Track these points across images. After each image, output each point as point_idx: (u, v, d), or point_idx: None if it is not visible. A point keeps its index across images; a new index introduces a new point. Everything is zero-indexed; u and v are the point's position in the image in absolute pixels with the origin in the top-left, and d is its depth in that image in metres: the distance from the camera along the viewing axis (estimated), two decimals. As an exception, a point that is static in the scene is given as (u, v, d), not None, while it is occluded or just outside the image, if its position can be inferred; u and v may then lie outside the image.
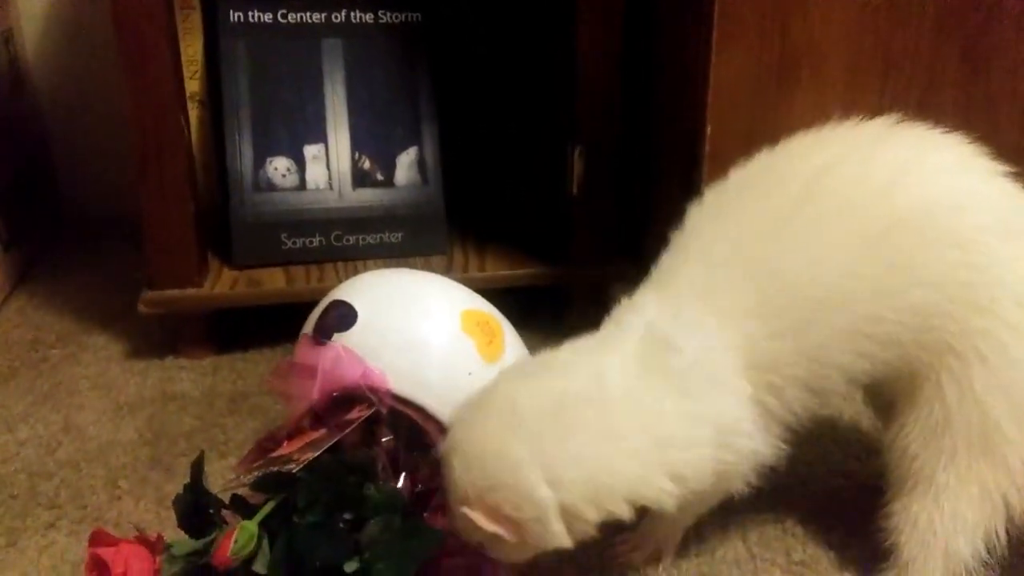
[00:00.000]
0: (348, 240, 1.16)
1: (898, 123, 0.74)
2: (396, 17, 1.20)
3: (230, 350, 1.14)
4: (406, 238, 1.17)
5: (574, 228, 1.14)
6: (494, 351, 0.83)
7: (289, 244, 1.15)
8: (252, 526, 0.68)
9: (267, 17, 1.18)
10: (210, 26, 1.20)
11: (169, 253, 1.09)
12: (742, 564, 0.81)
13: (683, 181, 0.97)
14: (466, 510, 0.66)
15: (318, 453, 0.72)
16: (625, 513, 0.68)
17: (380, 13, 1.20)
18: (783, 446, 0.73)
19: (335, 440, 0.74)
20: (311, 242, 1.16)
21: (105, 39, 1.08)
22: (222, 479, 0.90)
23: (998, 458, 0.69)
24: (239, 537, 0.68)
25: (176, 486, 0.90)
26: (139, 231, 1.08)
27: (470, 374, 0.79)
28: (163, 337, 1.15)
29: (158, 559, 0.70)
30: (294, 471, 0.70)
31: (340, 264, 1.16)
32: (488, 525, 0.66)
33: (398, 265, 0.91)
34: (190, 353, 1.13)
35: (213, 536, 0.70)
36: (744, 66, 0.89)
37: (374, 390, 0.77)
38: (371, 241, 1.17)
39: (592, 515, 0.67)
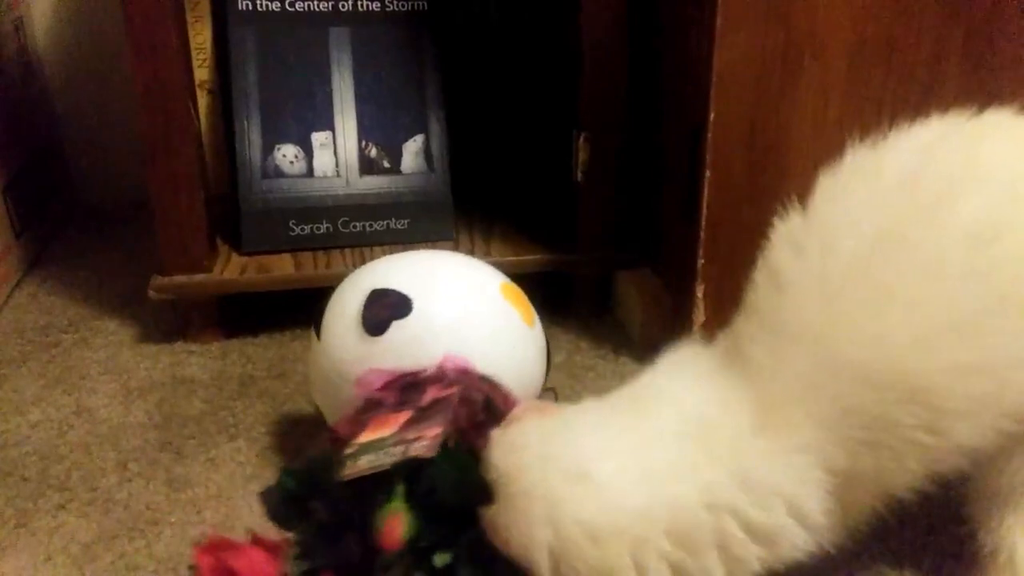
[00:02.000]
0: (355, 227, 1.17)
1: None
2: (403, 5, 1.21)
3: (239, 335, 1.15)
4: (412, 225, 1.18)
5: (579, 215, 1.15)
6: (530, 317, 0.87)
7: (297, 230, 1.16)
8: (406, 506, 0.66)
9: (275, 5, 1.18)
10: (219, 14, 1.20)
11: (179, 239, 1.10)
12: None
13: (687, 166, 0.97)
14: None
15: (438, 431, 0.70)
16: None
17: (387, 1, 1.20)
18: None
19: (447, 420, 0.72)
20: (318, 228, 1.17)
21: (115, 26, 1.09)
22: (232, 462, 0.92)
23: None
24: (405, 519, 0.65)
25: (186, 469, 0.92)
26: (149, 217, 1.09)
27: (519, 340, 0.84)
28: (173, 322, 1.16)
29: (281, 560, 0.68)
30: (421, 453, 0.68)
31: (347, 250, 1.17)
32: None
33: (404, 251, 0.91)
34: (199, 338, 1.15)
35: (313, 528, 0.68)
36: (747, 53, 0.89)
37: (463, 371, 0.78)
38: (378, 228, 1.18)
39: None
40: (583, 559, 0.59)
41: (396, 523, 0.65)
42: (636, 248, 1.16)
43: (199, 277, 1.11)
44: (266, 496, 0.72)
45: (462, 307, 0.83)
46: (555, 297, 1.17)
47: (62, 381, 1.08)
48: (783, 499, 0.60)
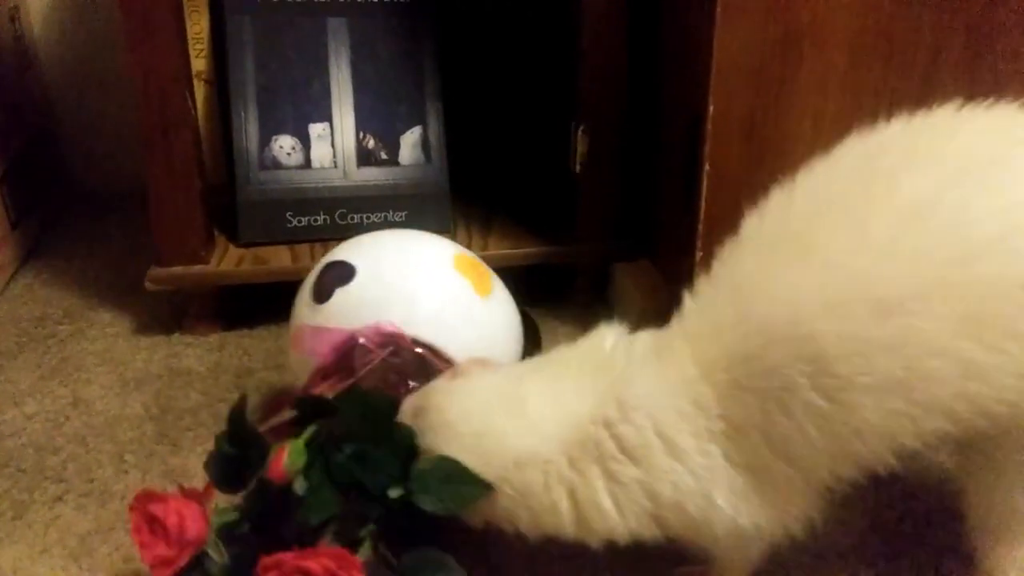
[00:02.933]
0: (353, 218, 1.17)
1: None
2: (401, -5, 1.20)
3: (236, 327, 1.15)
4: (410, 216, 1.18)
5: (577, 206, 1.15)
6: (486, 286, 0.88)
7: (294, 222, 1.16)
8: (300, 443, 0.70)
9: (272, -5, 1.18)
10: (216, 3, 1.20)
11: (175, 230, 1.09)
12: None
13: (686, 159, 0.97)
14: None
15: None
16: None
17: (385, -9, 1.20)
18: (804, 513, 0.65)
19: (357, 379, 0.77)
20: (316, 220, 1.16)
21: (111, 16, 1.08)
22: (227, 454, 0.92)
23: None
24: (291, 452, 0.69)
25: (182, 460, 0.92)
26: (146, 208, 1.08)
27: (468, 310, 0.85)
28: (170, 313, 1.16)
29: (208, 508, 0.70)
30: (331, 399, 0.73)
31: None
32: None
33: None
34: (196, 329, 1.14)
35: (253, 486, 0.72)
36: (747, 44, 0.89)
37: (392, 335, 0.79)
38: (375, 219, 1.17)
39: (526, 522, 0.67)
40: (508, 482, 0.66)
41: (280, 456, 0.69)
42: (634, 240, 1.16)
43: (196, 268, 1.11)
44: (209, 463, 0.74)
45: (406, 275, 0.85)
46: (553, 289, 1.17)
47: (58, 372, 1.07)
48: (652, 421, 0.64)
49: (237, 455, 0.74)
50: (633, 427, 0.64)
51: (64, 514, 0.86)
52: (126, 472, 0.91)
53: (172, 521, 0.68)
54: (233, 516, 0.73)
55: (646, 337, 0.70)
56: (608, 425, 0.65)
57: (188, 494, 0.71)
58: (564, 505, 0.65)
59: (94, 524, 0.85)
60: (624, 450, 0.64)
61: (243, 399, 0.74)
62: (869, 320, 0.57)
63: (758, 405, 0.61)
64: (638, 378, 0.66)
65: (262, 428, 0.75)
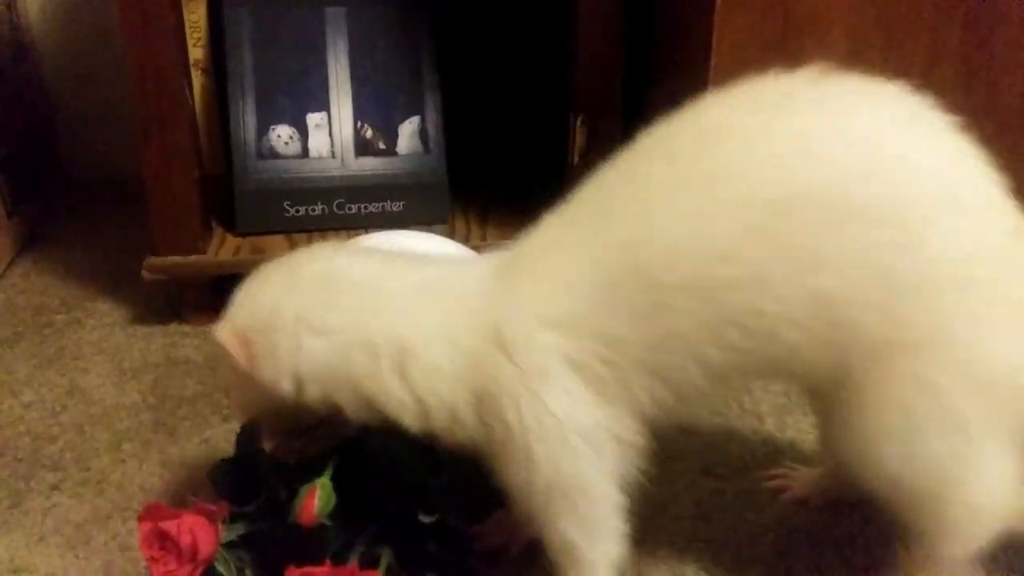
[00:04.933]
0: (350, 208, 1.17)
1: (824, 75, 0.64)
2: (399, -15, 1.20)
3: (233, 317, 1.15)
4: (408, 206, 1.18)
5: (576, 198, 1.14)
6: None
7: (292, 212, 1.16)
8: (328, 483, 0.71)
9: (270, -16, 1.17)
10: (213, -7, 1.19)
11: (172, 219, 1.09)
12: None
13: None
14: (220, 331, 0.69)
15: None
16: (347, 405, 0.68)
17: (383, -19, 1.20)
18: (634, 425, 0.66)
19: None
20: (314, 210, 1.16)
21: (108, 5, 1.08)
22: (226, 443, 0.92)
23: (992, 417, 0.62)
24: (321, 496, 0.70)
25: (180, 449, 0.92)
26: (143, 197, 1.08)
27: None
28: (167, 303, 1.16)
29: (219, 526, 0.71)
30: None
31: (343, 232, 1.16)
32: (232, 345, 0.68)
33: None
34: (194, 319, 1.14)
35: (263, 500, 0.73)
36: (746, 36, 0.89)
37: None
38: (373, 209, 1.17)
39: (314, 392, 0.67)
40: (318, 382, 0.67)
41: (312, 499, 0.69)
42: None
43: (193, 258, 1.11)
44: (212, 474, 0.76)
45: None
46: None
47: (55, 362, 1.07)
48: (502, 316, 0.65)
49: (245, 471, 0.75)
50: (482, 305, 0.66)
51: (61, 503, 0.86)
52: (123, 461, 0.91)
53: (186, 540, 0.69)
54: (241, 531, 0.73)
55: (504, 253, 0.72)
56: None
57: (201, 511, 0.71)
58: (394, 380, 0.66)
59: (91, 512, 0.85)
60: (469, 321, 0.66)
61: (256, 424, 0.75)
62: (674, 223, 0.62)
63: (587, 301, 0.63)
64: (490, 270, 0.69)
65: (270, 447, 0.75)
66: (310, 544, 0.72)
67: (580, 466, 0.65)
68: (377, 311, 0.67)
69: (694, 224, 0.61)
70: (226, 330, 0.69)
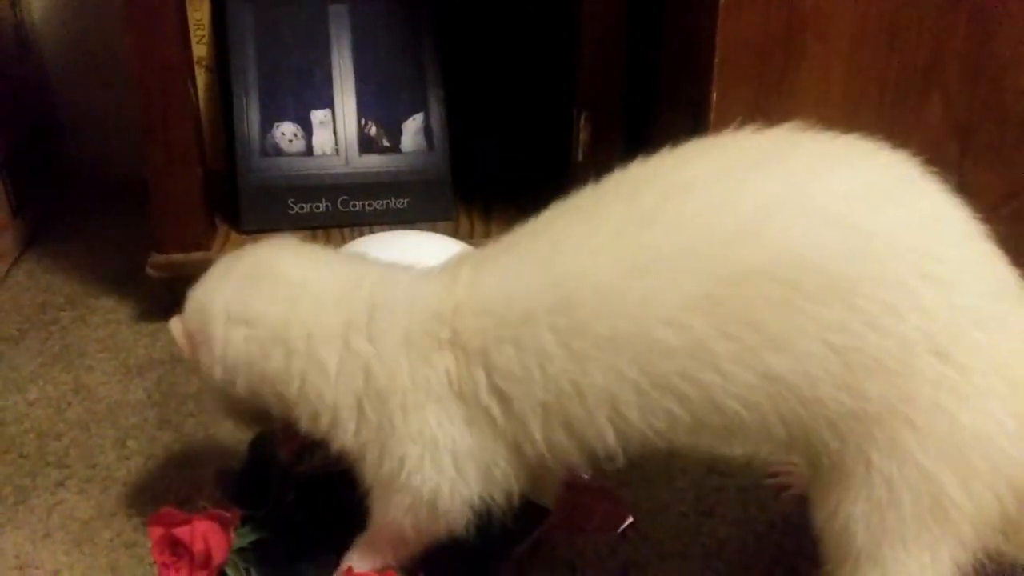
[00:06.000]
0: (354, 205, 1.17)
1: (804, 133, 0.62)
2: (403, -18, 1.20)
3: (237, 314, 1.15)
4: (412, 204, 1.18)
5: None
6: None
7: (296, 209, 1.16)
8: None
9: (274, -18, 1.17)
10: (217, -10, 1.20)
11: (177, 217, 1.09)
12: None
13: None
14: (171, 322, 0.73)
15: None
16: (269, 401, 0.68)
17: (386, -22, 1.20)
18: (511, 473, 0.65)
19: None
20: (318, 207, 1.16)
21: (112, 3, 1.08)
22: (231, 439, 0.93)
23: (949, 525, 0.60)
24: None
25: (185, 446, 0.92)
26: (147, 195, 1.08)
27: None
28: (172, 300, 1.15)
29: (232, 532, 0.71)
30: None
31: (346, 229, 1.16)
32: (177, 335, 0.72)
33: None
34: (198, 316, 1.14)
35: (272, 505, 0.74)
36: (750, 33, 0.89)
37: None
38: (377, 207, 1.17)
39: (242, 384, 0.68)
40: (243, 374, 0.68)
41: None
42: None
43: (197, 255, 1.11)
44: (221, 479, 0.77)
45: None
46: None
47: (60, 359, 1.07)
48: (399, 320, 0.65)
49: (256, 477, 0.75)
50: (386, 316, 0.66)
51: (66, 499, 0.86)
52: (128, 458, 0.91)
53: (199, 547, 0.69)
54: (252, 537, 0.73)
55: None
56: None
57: (213, 517, 0.71)
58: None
59: (96, 509, 0.85)
60: (370, 329, 0.65)
61: (271, 432, 0.75)
62: (617, 276, 0.59)
63: (491, 329, 0.62)
64: (403, 281, 0.68)
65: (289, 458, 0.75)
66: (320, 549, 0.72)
67: (441, 481, 0.65)
68: (296, 307, 0.67)
69: (641, 280, 0.59)
70: (175, 321, 0.73)
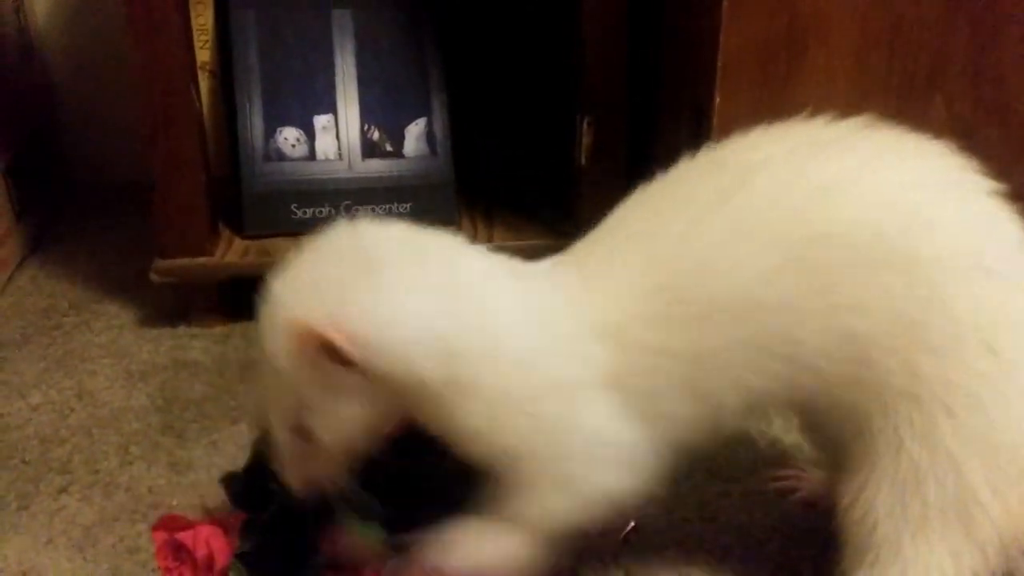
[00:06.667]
0: (357, 210, 1.17)
1: (873, 126, 0.66)
2: (405, -13, 1.20)
3: (241, 318, 1.15)
4: (415, 208, 1.18)
5: (582, 199, 1.15)
6: None
7: (299, 214, 1.16)
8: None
9: (277, -13, 1.18)
10: (220, -4, 1.20)
11: (180, 222, 1.09)
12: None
13: (691, 152, 0.96)
14: (302, 324, 0.60)
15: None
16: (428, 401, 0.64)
17: (390, -17, 1.20)
18: (666, 452, 0.66)
19: None
20: (321, 212, 1.16)
21: (115, 8, 1.08)
22: (233, 445, 0.92)
23: (973, 526, 0.61)
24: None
25: (187, 452, 0.92)
26: (151, 200, 1.08)
27: None
28: (175, 305, 1.16)
29: (234, 537, 0.72)
30: None
31: (350, 235, 1.16)
32: (337, 338, 0.60)
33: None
34: (202, 321, 1.14)
35: (274, 509, 0.73)
36: (753, 36, 0.89)
37: None
38: (380, 211, 1.17)
39: (411, 393, 0.63)
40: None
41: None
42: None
43: (201, 260, 1.11)
44: (226, 482, 0.76)
45: None
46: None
47: (63, 364, 1.07)
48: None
49: (258, 480, 0.75)
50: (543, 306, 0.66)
51: (69, 505, 0.86)
52: (131, 463, 0.91)
53: (202, 552, 0.69)
54: (255, 541, 0.73)
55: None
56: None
57: (216, 522, 0.72)
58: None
59: (99, 515, 0.85)
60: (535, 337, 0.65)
61: (262, 440, 0.75)
62: (719, 245, 0.63)
63: (635, 309, 0.64)
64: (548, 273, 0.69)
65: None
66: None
67: (605, 477, 0.66)
68: (469, 278, 0.66)
69: (738, 247, 0.63)
70: (314, 322, 0.60)
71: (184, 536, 0.69)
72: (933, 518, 0.61)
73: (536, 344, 0.65)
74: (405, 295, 0.63)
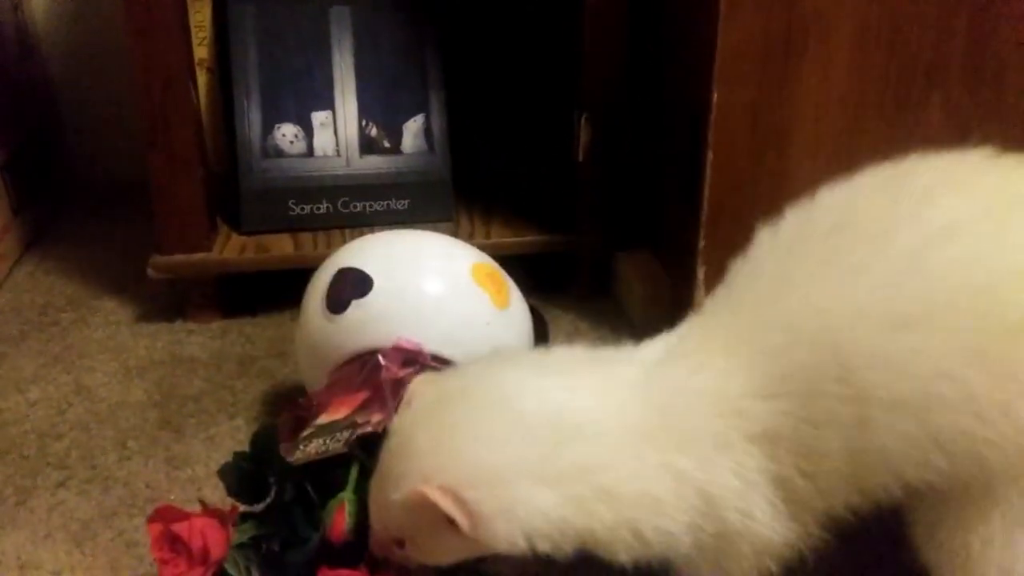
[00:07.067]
0: (355, 207, 1.17)
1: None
2: (404, -16, 1.20)
3: (238, 315, 1.15)
4: (412, 205, 1.18)
5: (580, 195, 1.15)
6: (504, 299, 0.86)
7: (297, 210, 1.16)
8: (353, 497, 0.70)
9: (275, -17, 1.18)
10: (218, -8, 1.20)
11: (178, 218, 1.10)
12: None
13: (689, 147, 0.97)
14: (421, 489, 0.59)
15: (382, 417, 0.73)
16: (566, 549, 0.61)
17: (388, -20, 1.20)
18: (818, 534, 0.63)
19: (396, 402, 0.74)
20: (318, 208, 1.16)
21: (114, 5, 1.08)
22: (231, 440, 0.93)
23: None
24: (350, 512, 0.70)
25: (185, 447, 0.92)
26: (148, 196, 1.08)
27: (488, 324, 0.83)
28: (172, 302, 1.16)
29: (230, 529, 0.71)
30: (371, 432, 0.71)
31: (347, 230, 1.16)
32: (448, 506, 0.58)
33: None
34: (199, 317, 1.14)
35: (270, 501, 0.74)
36: (751, 33, 0.89)
37: (413, 352, 0.79)
38: (378, 208, 1.17)
39: (542, 546, 0.60)
40: (549, 536, 0.61)
41: (341, 515, 0.69)
42: (636, 230, 1.16)
43: (198, 256, 1.11)
44: (224, 473, 0.76)
45: (424, 288, 0.83)
46: (555, 278, 1.17)
47: (61, 360, 1.07)
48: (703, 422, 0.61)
49: (256, 470, 0.75)
50: (687, 425, 0.62)
51: (67, 500, 0.86)
52: (129, 458, 0.91)
53: (197, 544, 0.69)
54: (252, 533, 0.73)
55: (673, 339, 0.67)
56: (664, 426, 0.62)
57: (212, 513, 0.72)
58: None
59: (96, 510, 0.85)
60: (680, 444, 0.61)
61: (273, 426, 0.76)
62: (888, 332, 0.57)
63: (786, 410, 0.60)
64: (680, 382, 0.63)
65: (286, 450, 0.75)
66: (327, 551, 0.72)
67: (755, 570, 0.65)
68: (602, 455, 0.61)
69: (915, 334, 0.57)
70: (431, 487, 0.59)
71: (179, 527, 0.69)
72: None
73: (682, 491, 0.61)
74: (533, 487, 0.59)
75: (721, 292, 0.67)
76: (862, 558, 0.78)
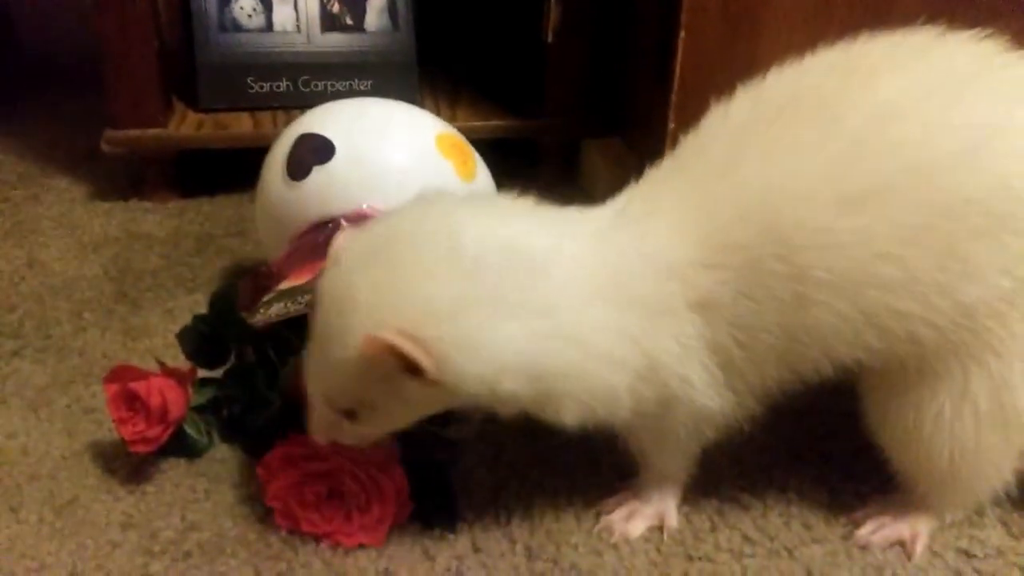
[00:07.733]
0: (316, 86, 1.14)
1: (1002, 51, 0.60)
2: None
3: (196, 195, 1.13)
4: (375, 86, 1.15)
5: (547, 79, 1.13)
6: (469, 171, 0.84)
7: (256, 88, 1.13)
8: None
9: None
10: None
11: (131, 91, 1.06)
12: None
13: (661, 28, 0.95)
14: (375, 336, 0.55)
15: None
16: (510, 404, 0.61)
17: None
18: (753, 406, 0.64)
19: None
20: (278, 87, 1.13)
21: None
22: (189, 313, 0.90)
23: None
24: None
25: (142, 319, 0.91)
26: (101, 71, 1.05)
27: None
28: (128, 180, 1.13)
29: (189, 389, 0.71)
30: None
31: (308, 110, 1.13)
32: (411, 349, 0.54)
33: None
34: (155, 196, 1.12)
35: (231, 365, 0.74)
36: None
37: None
38: (340, 88, 1.14)
39: (510, 388, 0.58)
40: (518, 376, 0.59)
41: (301, 375, 0.66)
42: (604, 116, 1.15)
43: (154, 132, 1.08)
44: (182, 337, 0.76)
45: (386, 156, 0.81)
46: (521, 164, 1.16)
47: (12, 235, 1.05)
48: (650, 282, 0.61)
49: (215, 334, 0.74)
50: (634, 286, 0.61)
51: (22, 368, 0.85)
52: (84, 329, 0.90)
53: (155, 402, 0.68)
54: (210, 395, 0.73)
55: (620, 204, 0.66)
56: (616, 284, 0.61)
57: (170, 373, 0.70)
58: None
59: (51, 378, 0.83)
60: (628, 304, 0.60)
61: (233, 287, 0.75)
62: (831, 213, 0.57)
63: (726, 280, 0.60)
64: (629, 244, 0.62)
65: (247, 315, 0.73)
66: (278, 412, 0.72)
67: (694, 439, 0.67)
68: (557, 294, 0.59)
69: (859, 216, 0.57)
70: (387, 331, 0.55)
71: (137, 386, 0.68)
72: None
73: (627, 349, 0.60)
74: (493, 319, 0.57)
75: (668, 163, 0.66)
76: (816, 431, 0.79)
